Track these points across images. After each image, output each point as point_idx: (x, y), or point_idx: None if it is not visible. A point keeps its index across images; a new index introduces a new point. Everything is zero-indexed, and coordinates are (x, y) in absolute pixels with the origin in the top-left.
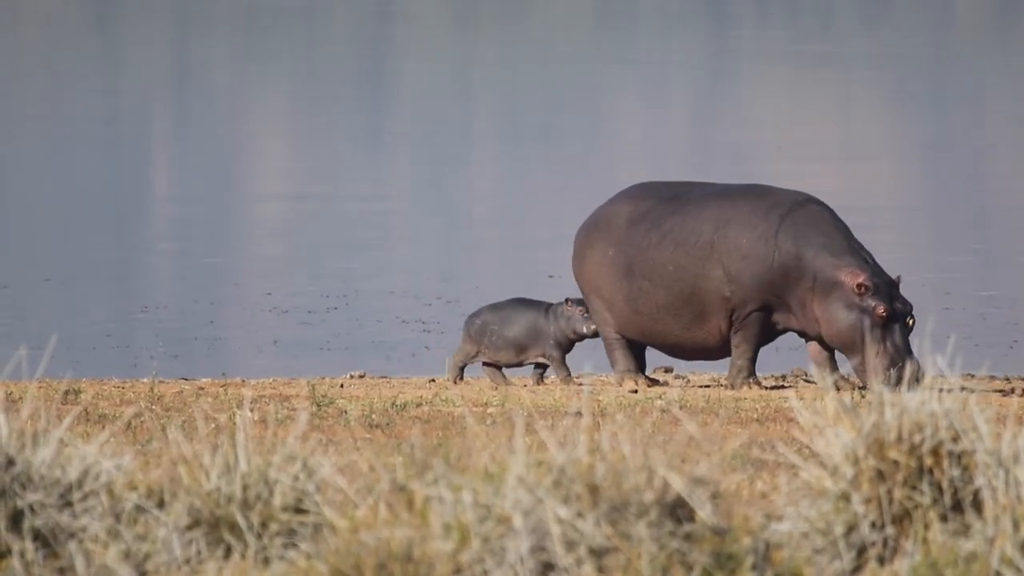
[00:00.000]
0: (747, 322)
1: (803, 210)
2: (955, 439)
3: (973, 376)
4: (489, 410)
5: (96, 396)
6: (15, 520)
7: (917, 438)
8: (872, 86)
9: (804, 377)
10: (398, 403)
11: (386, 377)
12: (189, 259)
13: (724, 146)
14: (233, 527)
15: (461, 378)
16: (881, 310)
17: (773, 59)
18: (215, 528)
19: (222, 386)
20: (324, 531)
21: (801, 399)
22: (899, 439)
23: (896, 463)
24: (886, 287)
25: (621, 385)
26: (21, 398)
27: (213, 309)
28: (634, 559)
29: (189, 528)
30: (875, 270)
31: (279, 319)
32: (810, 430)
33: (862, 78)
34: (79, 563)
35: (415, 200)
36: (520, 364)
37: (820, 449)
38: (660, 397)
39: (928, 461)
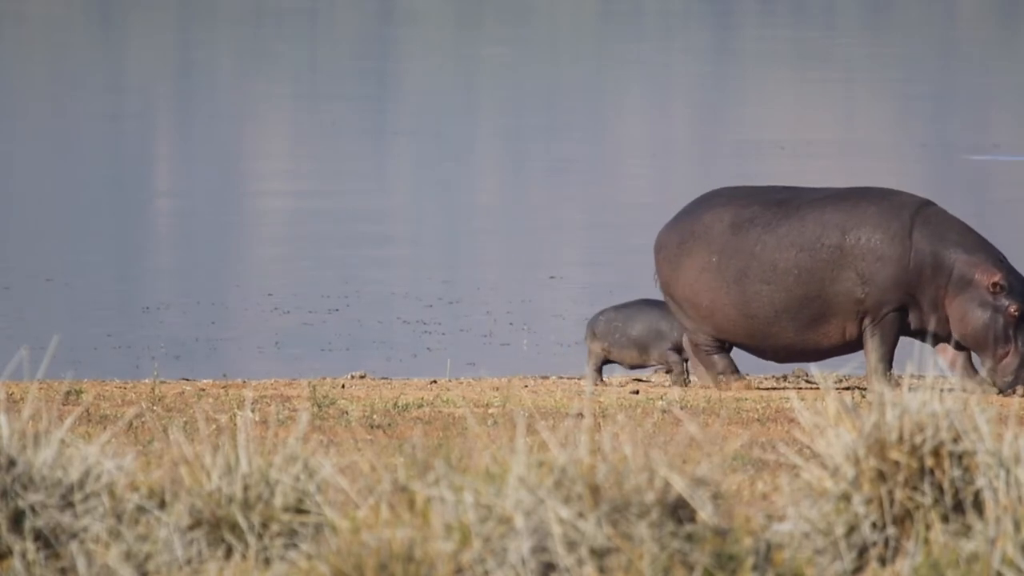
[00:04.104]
0: (883, 323)
1: (930, 210)
2: (956, 439)
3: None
4: (490, 411)
5: (97, 397)
6: (16, 520)
7: (918, 438)
8: (875, 85)
9: (805, 378)
10: (399, 404)
11: (387, 378)
12: (190, 259)
13: (727, 145)
14: (234, 527)
15: (601, 379)
16: (1013, 309)
17: (776, 58)
18: (216, 528)
19: (223, 387)
20: (325, 531)
21: (802, 400)
22: (900, 439)
23: (897, 463)
24: (1021, 286)
25: (730, 388)
26: (22, 399)
27: (214, 310)
28: (635, 559)
29: (190, 528)
30: (1010, 269)
31: (280, 320)
32: (811, 430)
33: (865, 77)
34: (80, 563)
35: (417, 200)
36: (643, 366)
37: (821, 449)
38: (661, 398)
39: (929, 462)
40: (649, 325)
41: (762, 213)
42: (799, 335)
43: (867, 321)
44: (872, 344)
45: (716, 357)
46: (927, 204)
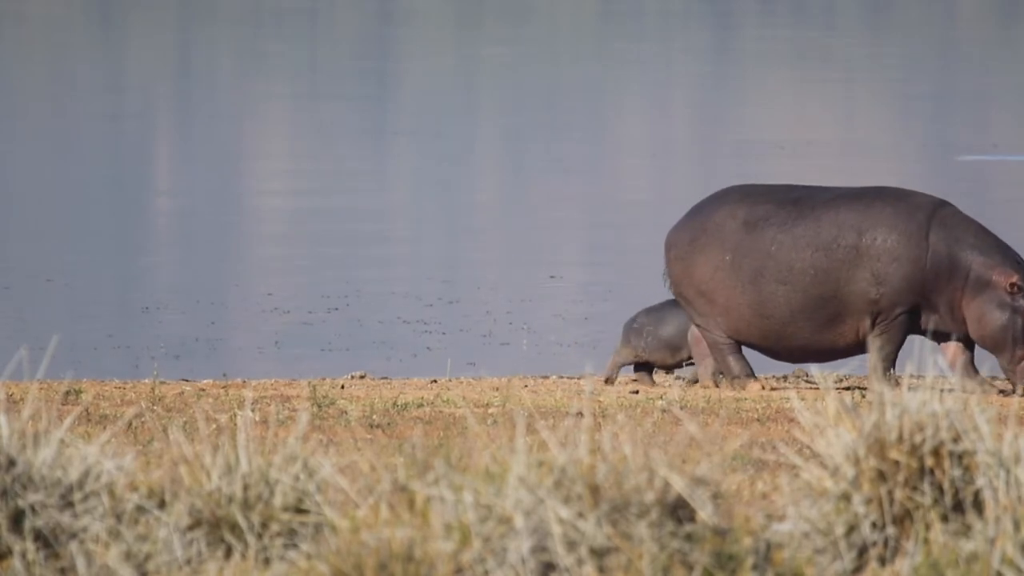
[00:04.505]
0: (893, 324)
1: (946, 211)
2: (956, 439)
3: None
4: (490, 410)
5: (97, 397)
6: (16, 520)
7: (918, 438)
8: (875, 85)
9: (805, 378)
10: (399, 403)
11: (387, 378)
12: (190, 259)
13: (727, 145)
14: (234, 527)
15: (614, 380)
16: None
17: (776, 58)
18: (216, 528)
19: (223, 387)
20: (325, 531)
21: (802, 399)
22: (900, 439)
23: (897, 463)
24: None
25: (745, 390)
26: (22, 399)
27: (214, 310)
28: (635, 559)
29: (190, 528)
30: None
31: (280, 320)
32: (811, 430)
33: (865, 77)
34: (80, 563)
35: (417, 200)
36: (677, 365)
37: (821, 449)
38: (661, 397)
39: (929, 461)
40: (680, 326)
41: (776, 212)
42: (814, 335)
43: (878, 320)
44: (877, 343)
45: (732, 359)
46: (943, 205)
